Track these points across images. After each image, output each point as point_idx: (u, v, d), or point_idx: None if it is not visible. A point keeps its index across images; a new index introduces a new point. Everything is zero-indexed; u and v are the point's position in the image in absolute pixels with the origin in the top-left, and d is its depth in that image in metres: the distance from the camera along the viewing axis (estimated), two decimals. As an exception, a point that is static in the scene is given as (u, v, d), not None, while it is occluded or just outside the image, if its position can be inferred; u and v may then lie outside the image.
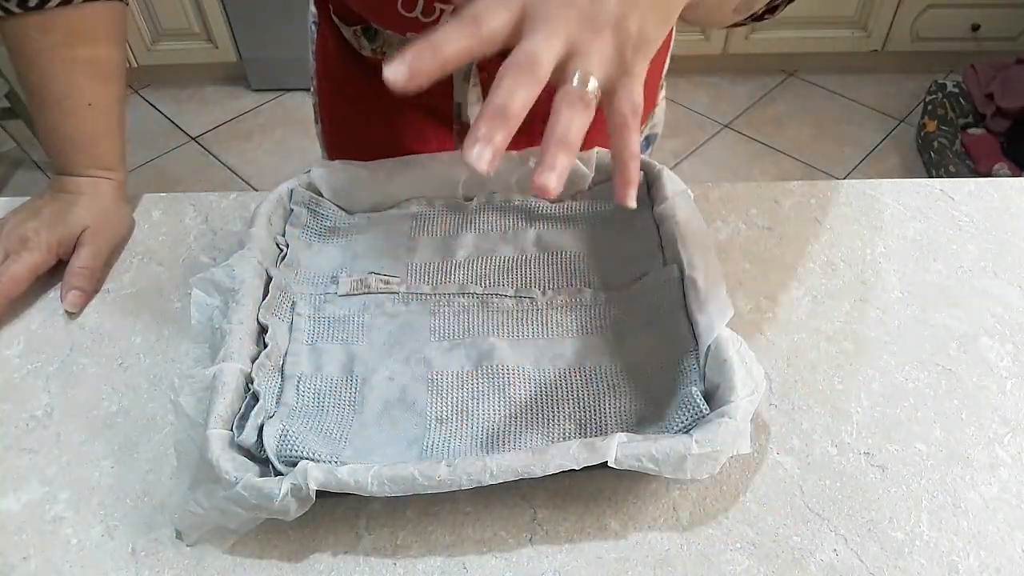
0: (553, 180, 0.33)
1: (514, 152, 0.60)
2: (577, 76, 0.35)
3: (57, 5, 0.58)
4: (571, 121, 0.35)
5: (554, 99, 0.35)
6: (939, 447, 0.48)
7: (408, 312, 0.54)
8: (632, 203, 0.37)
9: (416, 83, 0.34)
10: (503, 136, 0.33)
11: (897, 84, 2.36)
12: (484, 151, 0.33)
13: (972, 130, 1.99)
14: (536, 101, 0.34)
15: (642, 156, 0.61)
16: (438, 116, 0.74)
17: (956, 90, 2.08)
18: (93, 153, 0.63)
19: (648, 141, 0.85)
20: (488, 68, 0.70)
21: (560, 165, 0.34)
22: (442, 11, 0.61)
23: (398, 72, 0.34)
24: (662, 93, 0.84)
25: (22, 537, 0.45)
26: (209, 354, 0.49)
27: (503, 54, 0.61)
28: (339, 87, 0.79)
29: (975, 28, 2.22)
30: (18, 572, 0.44)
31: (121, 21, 0.63)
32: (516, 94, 0.34)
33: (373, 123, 0.78)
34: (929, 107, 2.09)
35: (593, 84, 0.35)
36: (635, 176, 0.37)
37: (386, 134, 0.77)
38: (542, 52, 0.34)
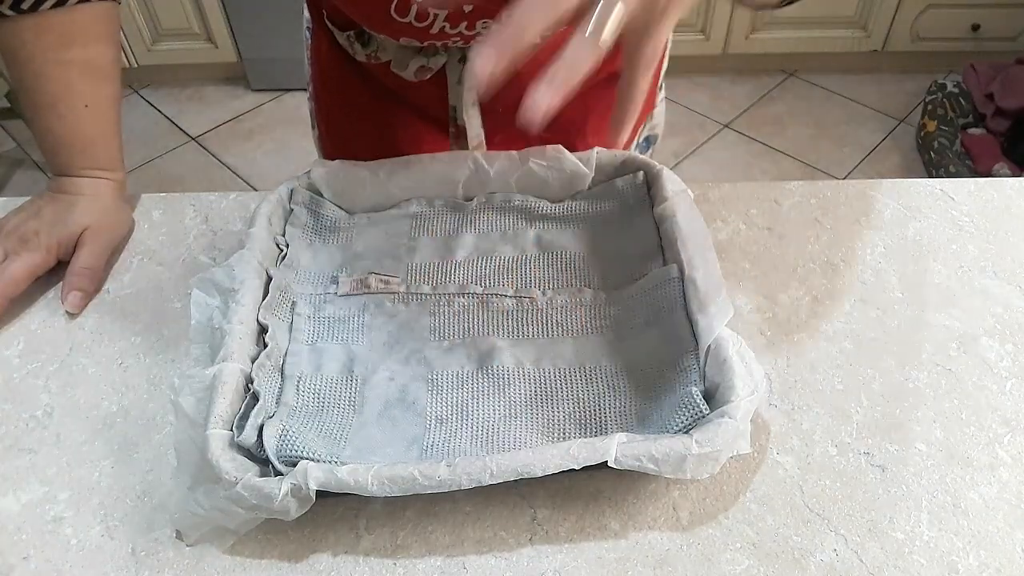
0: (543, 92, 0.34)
1: (514, 152, 0.60)
2: (593, 23, 0.35)
3: (51, 7, 0.57)
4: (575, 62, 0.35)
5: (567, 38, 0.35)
6: (939, 447, 0.48)
7: (408, 312, 0.54)
8: (619, 145, 0.37)
9: (504, 68, 0.34)
10: (511, 41, 0.34)
11: (897, 84, 2.36)
12: (484, 51, 0.34)
13: (972, 130, 1.99)
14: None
15: (642, 156, 0.61)
16: (433, 120, 0.75)
17: (956, 90, 2.08)
18: (91, 154, 0.63)
19: (648, 142, 0.85)
20: None
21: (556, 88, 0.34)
22: (435, 16, 0.61)
23: (487, 59, 0.34)
24: (661, 94, 0.84)
25: (22, 537, 0.45)
26: (209, 354, 0.49)
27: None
28: (335, 92, 0.79)
29: (975, 28, 2.22)
30: (18, 572, 0.44)
31: (114, 20, 0.63)
32: (535, 14, 0.34)
33: (369, 128, 0.78)
34: (929, 107, 2.09)
35: (612, 22, 0.35)
36: (631, 118, 0.37)
37: (382, 138, 0.77)
38: None
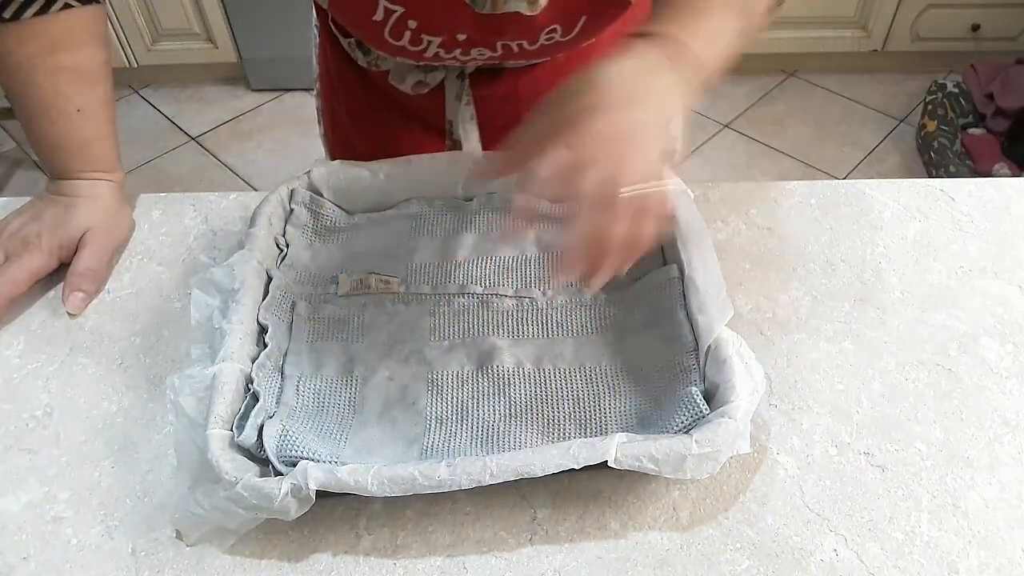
0: (599, 279, 0.42)
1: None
2: (607, 186, 0.41)
3: (33, 15, 0.56)
4: (615, 220, 0.41)
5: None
6: (939, 447, 0.48)
7: (408, 312, 0.54)
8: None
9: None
10: (588, 262, 0.42)
11: (897, 84, 2.36)
12: (598, 279, 0.42)
13: (972, 130, 1.98)
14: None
15: None
16: (434, 130, 0.75)
17: (956, 90, 2.07)
18: (87, 157, 0.62)
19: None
20: (479, 88, 0.71)
21: (602, 265, 0.42)
22: (429, 42, 0.61)
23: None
24: None
25: (22, 537, 0.45)
26: (209, 354, 0.49)
27: (492, 80, 0.64)
28: (339, 92, 0.79)
29: (975, 28, 2.22)
30: (18, 572, 0.44)
31: (101, 23, 0.62)
32: (615, 228, 0.41)
33: (371, 130, 0.78)
34: (929, 107, 2.09)
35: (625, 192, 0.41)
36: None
37: (383, 143, 0.77)
38: (608, 185, 0.41)
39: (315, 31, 0.79)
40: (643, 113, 0.43)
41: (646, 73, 0.45)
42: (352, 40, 0.70)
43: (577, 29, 0.62)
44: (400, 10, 0.57)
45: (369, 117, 0.77)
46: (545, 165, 0.42)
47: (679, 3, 0.49)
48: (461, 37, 0.60)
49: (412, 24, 0.59)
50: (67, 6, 0.58)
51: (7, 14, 0.56)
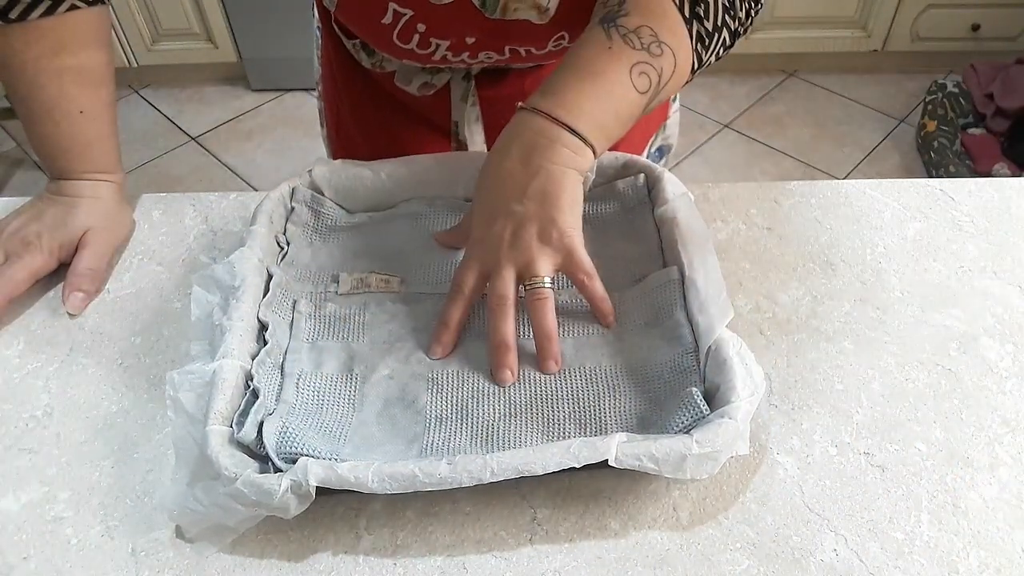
0: (553, 364, 0.49)
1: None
2: (531, 284, 0.49)
3: (40, 16, 0.57)
4: (545, 316, 0.48)
5: (527, 304, 0.49)
6: (939, 447, 0.48)
7: (408, 311, 0.54)
8: (614, 325, 0.51)
9: (450, 352, 0.51)
10: (512, 357, 0.48)
11: (897, 84, 2.36)
12: (505, 373, 0.48)
13: (972, 130, 1.99)
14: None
15: (643, 159, 0.61)
16: (438, 128, 0.75)
17: (956, 90, 2.07)
18: (88, 158, 0.62)
19: (661, 152, 0.85)
20: (485, 89, 0.71)
21: (554, 351, 0.49)
22: (437, 45, 0.61)
23: (437, 353, 0.50)
24: (675, 104, 0.83)
25: (22, 537, 0.45)
26: (209, 351, 0.49)
27: (498, 81, 0.64)
28: (342, 95, 0.79)
29: (975, 28, 2.22)
30: (18, 572, 0.44)
31: (105, 24, 0.62)
32: (506, 327, 0.48)
33: (375, 131, 0.78)
34: (929, 107, 2.09)
35: (546, 282, 0.49)
36: (609, 309, 0.51)
37: (387, 144, 0.77)
38: (502, 288, 0.49)
39: (317, 33, 0.79)
40: (529, 211, 0.49)
41: (524, 163, 0.50)
42: (356, 42, 0.70)
43: None
44: (409, 13, 0.57)
45: (374, 119, 0.77)
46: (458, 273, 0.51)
47: (570, 75, 0.50)
48: (470, 40, 0.60)
49: (421, 28, 0.59)
50: (73, 7, 0.58)
51: (13, 15, 0.56)
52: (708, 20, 0.51)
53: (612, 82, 0.49)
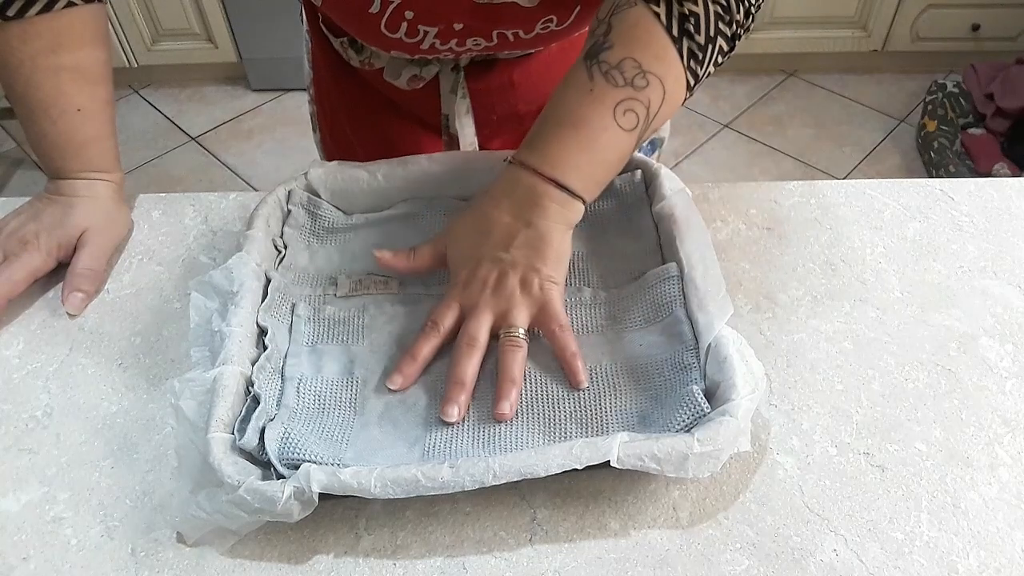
0: (507, 408, 0.47)
1: (511, 152, 0.60)
2: (507, 332, 0.50)
3: (37, 13, 0.56)
4: (514, 361, 0.48)
5: (500, 347, 0.49)
6: (939, 447, 0.48)
7: (407, 313, 0.54)
8: (585, 385, 0.49)
9: (410, 385, 0.50)
10: (465, 397, 0.47)
11: (897, 84, 2.36)
12: (452, 409, 0.47)
13: (972, 130, 1.99)
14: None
15: (642, 156, 0.61)
16: (430, 125, 0.75)
17: (956, 90, 2.07)
18: (86, 157, 0.62)
19: (653, 145, 0.85)
20: (474, 81, 0.71)
21: (512, 396, 0.47)
22: (425, 32, 0.60)
23: (397, 383, 0.49)
24: None
25: (22, 537, 0.45)
26: (209, 357, 0.49)
27: (487, 72, 0.67)
28: (333, 97, 0.79)
29: (975, 28, 2.22)
30: (18, 572, 0.44)
31: (102, 22, 0.61)
32: (468, 367, 0.48)
33: (368, 132, 0.78)
34: (929, 107, 2.09)
35: (520, 332, 0.50)
36: (581, 367, 0.49)
37: (381, 142, 0.77)
38: (476, 330, 0.49)
39: (306, 36, 0.79)
40: (514, 261, 0.50)
41: (515, 216, 0.51)
42: (344, 40, 0.70)
43: (572, 18, 0.62)
44: (397, 0, 0.57)
45: (366, 118, 0.77)
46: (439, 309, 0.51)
47: (554, 126, 0.51)
48: (458, 26, 0.60)
49: (409, 15, 0.59)
50: (70, 4, 0.58)
51: (11, 12, 0.56)
52: (699, 34, 0.51)
53: (596, 129, 0.50)
